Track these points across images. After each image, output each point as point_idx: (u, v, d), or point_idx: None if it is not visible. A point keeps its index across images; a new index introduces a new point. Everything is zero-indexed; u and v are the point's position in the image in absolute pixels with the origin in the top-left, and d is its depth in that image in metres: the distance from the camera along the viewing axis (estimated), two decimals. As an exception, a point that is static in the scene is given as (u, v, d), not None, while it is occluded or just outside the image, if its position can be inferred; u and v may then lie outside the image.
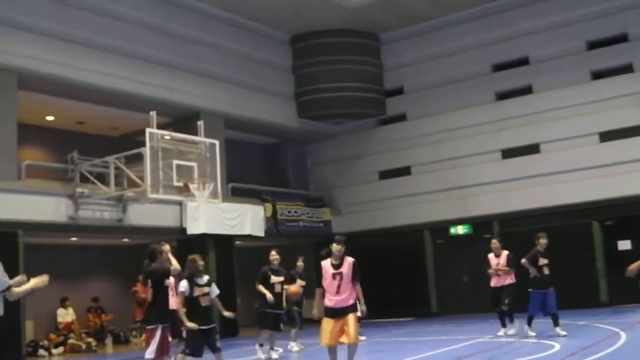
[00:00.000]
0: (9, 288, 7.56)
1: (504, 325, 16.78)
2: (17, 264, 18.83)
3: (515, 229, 25.13)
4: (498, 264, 16.96)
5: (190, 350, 11.45)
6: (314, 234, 28.33)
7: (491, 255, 17.27)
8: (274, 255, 15.84)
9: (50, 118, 24.49)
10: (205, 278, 11.81)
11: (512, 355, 13.42)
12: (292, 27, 28.24)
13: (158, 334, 11.12)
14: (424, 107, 28.66)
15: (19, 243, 19.01)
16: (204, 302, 11.48)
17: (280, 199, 27.45)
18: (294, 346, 16.79)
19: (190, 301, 11.48)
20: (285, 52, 29.12)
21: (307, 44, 28.98)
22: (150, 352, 11.04)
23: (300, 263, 17.68)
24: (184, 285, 11.49)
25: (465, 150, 27.26)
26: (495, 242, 17.47)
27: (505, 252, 17.15)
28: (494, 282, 17.04)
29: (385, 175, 29.60)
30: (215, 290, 11.70)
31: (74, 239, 22.87)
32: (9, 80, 19.83)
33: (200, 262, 11.91)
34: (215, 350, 11.75)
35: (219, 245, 23.68)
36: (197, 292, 11.45)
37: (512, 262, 16.90)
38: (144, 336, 11.66)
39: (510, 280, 16.87)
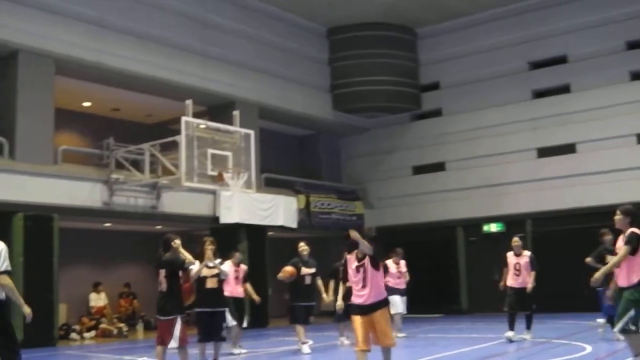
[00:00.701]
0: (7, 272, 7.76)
1: (512, 328, 15.43)
2: (51, 247, 19.08)
3: (548, 228, 25.01)
4: (517, 264, 15.76)
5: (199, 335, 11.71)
6: (346, 227, 28.12)
7: (510, 254, 16.11)
8: (303, 247, 15.67)
9: (86, 104, 24.69)
10: (217, 261, 12.42)
11: (543, 355, 13.31)
12: (328, 20, 28.18)
13: (178, 323, 11.04)
14: (459, 103, 28.50)
15: (53, 227, 19.21)
16: (210, 284, 11.66)
17: (313, 191, 27.44)
18: (344, 340, 16.39)
19: (197, 281, 12.01)
20: (322, 44, 29.07)
21: (343, 37, 28.91)
22: (174, 342, 10.97)
23: (303, 247, 17.40)
24: (196, 265, 11.95)
25: (500, 147, 27.06)
26: (516, 241, 16.19)
27: (527, 253, 16.14)
28: (515, 283, 15.72)
29: (419, 170, 29.49)
30: (224, 272, 12.06)
31: (107, 224, 23.01)
32: (46, 65, 20.01)
33: (210, 246, 12.58)
34: (217, 337, 11.86)
35: (252, 235, 23.73)
36: (205, 272, 11.66)
37: (535, 263, 15.82)
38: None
39: (530, 282, 15.61)
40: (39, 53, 19.72)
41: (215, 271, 12.30)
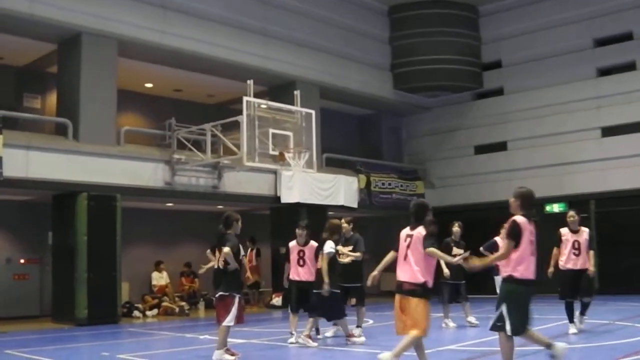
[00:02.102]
0: None
1: (573, 320, 13.75)
2: (114, 227, 19.34)
3: (612, 208, 24.61)
4: (577, 242, 13.66)
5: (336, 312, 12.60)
6: (407, 207, 28.06)
7: (565, 230, 14.01)
8: (343, 224, 14.47)
9: (148, 85, 24.89)
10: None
11: (606, 337, 13.08)
12: (389, -2, 28.04)
13: (236, 302, 11.21)
14: (522, 82, 28.08)
15: (117, 207, 19.46)
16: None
17: (374, 170, 27.34)
18: (449, 323, 16.11)
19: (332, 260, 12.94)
20: (383, 22, 28.89)
21: (404, 15, 28.69)
22: (230, 320, 11.14)
23: (456, 228, 17.21)
24: (331, 245, 12.85)
25: (563, 126, 26.62)
26: (572, 215, 13.99)
27: (585, 230, 13.92)
28: (571, 264, 13.66)
29: (481, 149, 29.20)
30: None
31: (169, 204, 23.21)
32: (109, 47, 20.21)
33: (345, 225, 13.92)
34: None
35: (312, 215, 23.69)
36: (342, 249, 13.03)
37: (591, 242, 14.09)
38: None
39: (592, 264, 13.78)
40: (102, 35, 19.92)
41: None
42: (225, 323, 11.13)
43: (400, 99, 29.13)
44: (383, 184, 27.22)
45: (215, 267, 11.55)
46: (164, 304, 22.36)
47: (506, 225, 8.57)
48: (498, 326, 8.28)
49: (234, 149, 19.08)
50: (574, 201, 25.78)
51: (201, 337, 15.15)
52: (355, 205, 25.63)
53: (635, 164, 24.68)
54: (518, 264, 8.17)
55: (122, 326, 18.65)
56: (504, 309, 8.18)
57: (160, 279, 23.35)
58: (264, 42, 23.84)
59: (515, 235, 8.29)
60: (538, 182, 26.63)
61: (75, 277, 18.70)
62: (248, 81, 18.51)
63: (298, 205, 23.45)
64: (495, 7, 28.74)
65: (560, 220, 21.57)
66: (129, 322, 18.89)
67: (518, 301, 8.22)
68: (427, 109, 30.62)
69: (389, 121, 31.49)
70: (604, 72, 26.50)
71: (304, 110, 19.62)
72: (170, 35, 21.23)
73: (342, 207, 25.04)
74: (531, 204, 8.64)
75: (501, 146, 28.54)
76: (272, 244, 24.34)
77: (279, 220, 24.37)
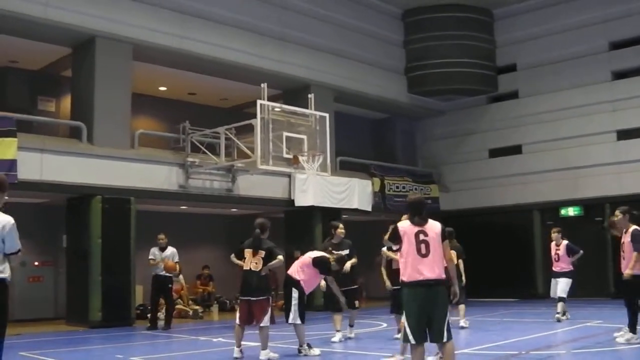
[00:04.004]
0: (18, 251, 7.86)
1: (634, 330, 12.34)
2: (128, 229, 19.39)
3: (629, 212, 24.46)
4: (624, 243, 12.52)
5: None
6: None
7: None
8: (340, 229, 14.59)
9: (162, 88, 24.96)
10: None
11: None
12: (404, 1, 27.98)
13: (270, 303, 11.86)
14: (537, 85, 27.96)
15: (131, 209, 19.52)
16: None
17: (388, 174, 27.31)
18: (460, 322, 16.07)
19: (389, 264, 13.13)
20: (397, 26, 28.87)
21: (419, 19, 28.66)
22: (267, 320, 11.69)
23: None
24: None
25: (578, 130, 26.48)
26: (619, 214, 12.72)
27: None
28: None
29: (495, 153, 29.11)
30: None
31: (183, 207, 23.25)
32: (124, 51, 20.27)
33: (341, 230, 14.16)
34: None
35: (326, 218, 23.68)
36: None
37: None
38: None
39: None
40: (117, 39, 19.98)
41: None
42: (263, 324, 11.62)
43: (414, 103, 29.09)
44: (397, 187, 27.18)
45: (247, 269, 11.92)
46: (178, 306, 22.36)
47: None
48: (404, 336, 8.20)
49: (248, 152, 19.10)
50: (589, 205, 25.78)
51: (215, 340, 15.14)
52: (369, 209, 25.60)
53: (651, 168, 24.55)
54: (404, 267, 8.17)
55: (135, 329, 18.68)
56: (403, 317, 8.26)
57: (175, 282, 23.32)
58: (279, 46, 23.87)
59: (394, 238, 8.39)
60: (553, 185, 26.65)
61: (89, 280, 18.74)
62: (262, 84, 18.54)
63: (312, 208, 23.45)
64: (510, 11, 28.65)
65: (575, 223, 21.60)
66: (143, 324, 18.89)
67: (404, 307, 8.20)
68: (442, 113, 30.56)
69: (403, 125, 31.45)
70: (620, 75, 26.33)
71: (318, 113, 19.64)
72: (188, 39, 21.29)
73: (356, 210, 25.02)
74: (418, 211, 8.36)
75: (516, 150, 28.43)
76: (286, 247, 24.30)
77: (293, 224, 24.38)
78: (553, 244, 17.57)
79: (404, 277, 8.12)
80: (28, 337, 16.31)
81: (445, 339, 7.97)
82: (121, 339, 16.38)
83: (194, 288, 24.46)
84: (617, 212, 12.80)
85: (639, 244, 12.01)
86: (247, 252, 11.99)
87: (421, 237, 8.14)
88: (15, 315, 19.77)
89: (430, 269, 8.02)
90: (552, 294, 17.52)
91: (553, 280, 17.54)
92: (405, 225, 8.28)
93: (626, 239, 12.42)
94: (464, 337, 14.78)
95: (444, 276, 8.11)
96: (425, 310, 7.93)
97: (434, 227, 8.25)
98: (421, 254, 8.07)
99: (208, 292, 24.53)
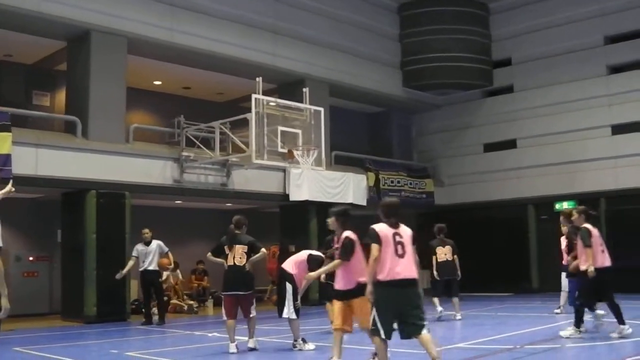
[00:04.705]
0: None
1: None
2: (123, 224, 19.37)
3: (623, 206, 24.52)
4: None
5: None
6: (416, 205, 28.16)
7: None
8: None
9: (157, 82, 24.92)
10: None
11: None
12: (400, -5, 28.00)
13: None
14: (532, 79, 27.97)
15: (126, 204, 19.50)
16: None
17: (383, 168, 27.30)
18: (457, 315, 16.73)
19: None
20: (393, 20, 28.86)
21: (415, 12, 28.64)
22: (254, 311, 12.25)
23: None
24: None
25: (574, 124, 26.50)
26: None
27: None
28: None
29: (490, 147, 29.11)
30: None
31: (178, 201, 23.22)
32: (119, 45, 20.21)
33: None
34: None
35: (321, 213, 23.66)
36: None
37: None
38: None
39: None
40: (112, 33, 19.94)
41: None
42: (252, 315, 12.19)
43: (410, 97, 29.09)
44: (392, 181, 27.18)
45: (231, 264, 12.19)
46: (173, 301, 22.35)
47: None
48: (373, 330, 8.55)
49: (243, 146, 19.07)
50: (584, 199, 25.72)
51: (210, 334, 15.15)
52: (364, 203, 25.58)
53: (647, 162, 24.59)
54: (381, 267, 8.50)
55: (130, 324, 18.68)
56: (374, 313, 8.53)
57: (173, 276, 23.31)
58: (274, 40, 23.84)
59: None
60: (548, 180, 26.67)
61: (84, 275, 18.72)
62: (257, 79, 18.51)
63: (307, 203, 23.43)
64: (506, 5, 28.65)
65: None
66: (138, 319, 18.87)
67: (377, 304, 8.51)
68: (437, 107, 30.56)
69: (398, 119, 31.42)
70: (615, 69, 26.36)
71: (313, 107, 19.62)
72: (180, 33, 21.25)
73: (351, 204, 24.98)
74: (394, 214, 8.93)
75: (511, 144, 28.46)
76: (281, 241, 24.30)
77: (288, 218, 24.37)
78: (563, 237, 17.15)
79: (381, 276, 8.45)
80: (23, 333, 16.28)
81: (422, 332, 8.38)
82: (116, 334, 16.37)
83: (189, 283, 24.43)
84: (574, 212, 13.41)
85: (587, 242, 12.40)
86: (227, 249, 12.34)
87: (397, 238, 8.66)
88: (10, 310, 19.75)
89: (407, 268, 8.54)
90: (563, 288, 17.43)
91: (563, 274, 17.28)
92: (382, 227, 8.73)
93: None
94: (459, 332, 14.82)
95: (417, 276, 8.63)
96: (399, 307, 8.45)
97: (406, 230, 8.84)
98: (398, 255, 8.55)
99: (203, 287, 24.49)
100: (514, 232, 27.56)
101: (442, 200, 28.98)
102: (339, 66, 25.85)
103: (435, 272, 16.95)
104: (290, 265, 12.51)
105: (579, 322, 12.47)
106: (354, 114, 30.40)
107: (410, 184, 28.02)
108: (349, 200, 24.74)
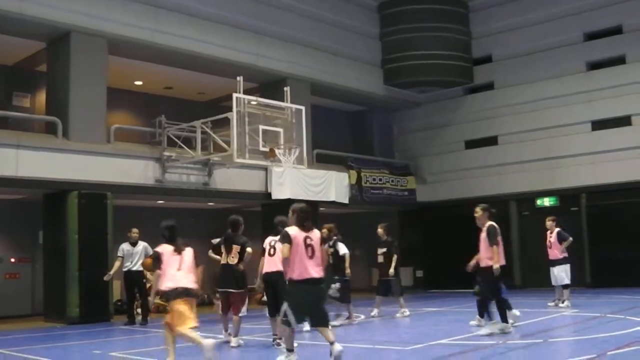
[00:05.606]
0: None
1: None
2: (105, 224, 19.30)
3: (603, 202, 24.68)
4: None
5: None
6: (398, 203, 28.24)
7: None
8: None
9: (138, 83, 24.86)
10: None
11: (600, 329, 13.13)
12: (380, -6, 28.04)
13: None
14: (512, 76, 28.10)
15: (107, 204, 19.42)
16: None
17: (365, 166, 27.35)
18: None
19: None
20: (373, 18, 28.92)
21: (395, 11, 28.71)
22: (244, 311, 12.86)
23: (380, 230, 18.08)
24: None
25: (554, 120, 26.65)
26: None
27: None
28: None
29: (472, 144, 29.23)
30: None
31: (160, 201, 23.18)
32: (99, 45, 20.18)
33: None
34: None
35: (303, 212, 23.73)
36: None
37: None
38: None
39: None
40: (92, 33, 19.88)
41: None
42: (241, 314, 12.72)
43: (390, 95, 29.15)
44: (374, 179, 27.25)
45: (224, 263, 13.08)
46: (156, 301, 22.26)
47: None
48: (284, 321, 9.80)
49: (225, 145, 19.06)
50: (565, 195, 25.96)
51: (193, 334, 15.10)
52: (346, 201, 25.64)
53: (626, 157, 24.73)
54: (293, 267, 9.71)
55: (114, 324, 18.61)
56: (286, 306, 9.74)
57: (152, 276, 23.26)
58: (255, 40, 23.83)
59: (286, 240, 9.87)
60: (529, 176, 26.82)
61: (66, 276, 18.67)
62: (238, 78, 18.49)
63: (289, 201, 23.40)
64: (485, 2, 28.78)
65: (551, 213, 21.79)
66: (121, 319, 18.82)
67: (291, 299, 9.79)
68: (418, 105, 30.64)
69: (379, 117, 31.51)
70: (594, 65, 26.50)
71: (294, 106, 19.62)
72: (161, 33, 21.21)
73: (333, 203, 25.05)
74: (307, 219, 10.02)
75: (492, 141, 28.57)
76: (263, 241, 24.22)
77: (271, 217, 24.26)
78: (548, 232, 18.31)
79: (294, 275, 9.68)
80: (5, 334, 16.21)
81: (327, 323, 9.75)
82: (99, 334, 16.33)
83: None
84: (477, 209, 14.10)
85: (493, 239, 13.71)
86: (223, 248, 13.22)
87: (308, 241, 9.78)
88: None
89: (316, 268, 9.77)
90: (553, 282, 18.33)
91: (550, 269, 18.32)
92: (295, 231, 9.82)
93: (482, 234, 13.94)
94: (442, 328, 14.89)
95: (323, 274, 9.92)
96: (309, 302, 9.71)
97: (316, 233, 9.98)
98: (308, 256, 9.72)
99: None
100: (496, 228, 27.60)
101: (424, 197, 29.08)
102: (320, 65, 25.88)
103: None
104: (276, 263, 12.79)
105: (504, 316, 13.29)
106: (336, 112, 30.46)
107: (392, 181, 28.10)
108: (331, 199, 24.86)
